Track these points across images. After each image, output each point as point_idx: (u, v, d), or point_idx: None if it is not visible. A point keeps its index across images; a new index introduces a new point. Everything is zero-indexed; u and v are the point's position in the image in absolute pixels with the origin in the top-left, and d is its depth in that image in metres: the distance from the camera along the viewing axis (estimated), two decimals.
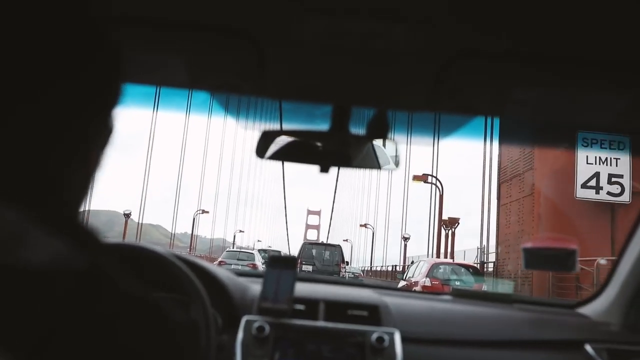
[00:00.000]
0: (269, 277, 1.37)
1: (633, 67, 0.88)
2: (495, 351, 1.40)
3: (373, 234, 47.45)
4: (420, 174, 27.07)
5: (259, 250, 25.27)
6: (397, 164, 1.21)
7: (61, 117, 0.49)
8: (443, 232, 25.51)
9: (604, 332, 1.49)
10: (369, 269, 44.83)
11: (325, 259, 19.40)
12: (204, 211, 40.55)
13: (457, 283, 13.09)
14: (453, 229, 25.91)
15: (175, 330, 0.53)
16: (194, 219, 38.25)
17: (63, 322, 0.43)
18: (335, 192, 79.85)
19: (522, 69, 0.92)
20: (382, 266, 39.41)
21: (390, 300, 1.50)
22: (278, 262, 1.41)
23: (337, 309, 1.43)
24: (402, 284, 14.61)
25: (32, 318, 0.42)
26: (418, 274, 13.76)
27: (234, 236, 54.62)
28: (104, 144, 0.56)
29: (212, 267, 1.44)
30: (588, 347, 1.41)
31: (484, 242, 20.84)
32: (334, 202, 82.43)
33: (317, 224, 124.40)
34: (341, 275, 18.45)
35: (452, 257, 23.53)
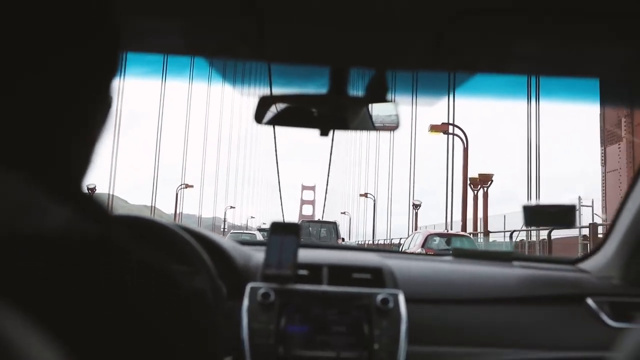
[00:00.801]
0: (272, 244, 1.38)
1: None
2: (497, 308, 1.42)
3: (374, 203, 43.54)
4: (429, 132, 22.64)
5: (259, 230, 28.64)
6: (397, 124, 1.21)
7: (63, 89, 0.49)
8: (470, 194, 21.51)
9: (605, 286, 1.51)
10: (372, 242, 41.40)
11: (322, 236, 19.90)
12: (187, 185, 38.28)
13: (451, 252, 13.19)
14: (485, 188, 21.75)
15: (186, 298, 0.53)
16: (177, 195, 36.46)
17: (76, 291, 0.43)
18: (329, 164, 78.14)
19: (523, 24, 0.92)
20: (385, 239, 35.40)
21: (393, 262, 1.51)
22: (280, 229, 1.42)
23: (340, 273, 1.44)
24: None
25: (45, 285, 0.42)
26: (413, 246, 13.89)
27: (225, 213, 53.14)
28: (104, 117, 0.55)
29: (217, 236, 1.44)
30: (590, 301, 1.43)
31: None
32: (328, 174, 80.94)
33: (312, 199, 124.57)
34: None
35: (486, 223, 20.51)
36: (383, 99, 1.19)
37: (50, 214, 0.44)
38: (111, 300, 0.45)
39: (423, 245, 13.38)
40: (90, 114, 0.53)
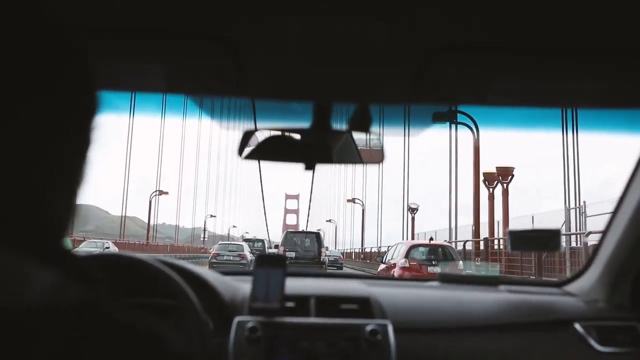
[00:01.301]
0: (258, 277, 1.36)
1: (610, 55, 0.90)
2: (486, 335, 1.41)
3: (363, 209, 41.22)
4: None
5: (245, 240, 29.45)
6: (383, 157, 1.21)
7: (39, 134, 0.47)
8: (484, 192, 19.34)
9: (592, 310, 1.51)
10: (360, 250, 39.64)
11: (306, 246, 20.38)
12: (161, 192, 37.13)
13: (434, 262, 13.31)
14: (506, 184, 19.15)
15: (173, 353, 0.53)
16: (150, 202, 35.28)
17: (64, 356, 0.42)
18: (313, 172, 77.91)
19: (502, 60, 0.93)
20: (374, 247, 33.82)
21: (379, 290, 1.51)
22: (267, 261, 1.40)
23: (327, 304, 1.43)
24: (381, 267, 14.81)
25: (33, 356, 0.41)
26: (397, 256, 13.91)
27: (205, 222, 51.98)
28: (85, 157, 0.54)
29: (200, 269, 1.42)
30: (577, 326, 1.43)
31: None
32: (312, 182, 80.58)
33: (295, 208, 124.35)
34: (322, 259, 20.00)
35: (506, 224, 18.29)
36: (367, 132, 1.19)
37: (33, 281, 0.43)
38: None
39: (406, 256, 13.41)
40: (71, 155, 0.52)
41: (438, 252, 13.90)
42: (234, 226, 75.50)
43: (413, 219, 28.43)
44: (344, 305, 1.43)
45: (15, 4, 0.46)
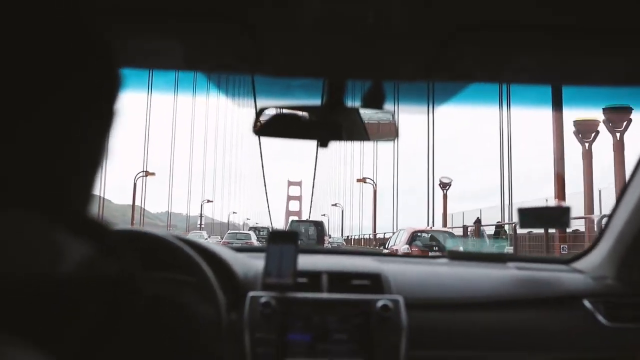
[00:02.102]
0: (271, 253, 1.38)
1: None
2: (495, 311, 1.43)
3: (375, 191, 36.10)
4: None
5: (250, 228, 31.44)
6: (396, 134, 1.22)
7: (63, 116, 0.48)
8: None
9: (601, 286, 1.53)
10: (372, 236, 35.82)
11: (310, 234, 21.42)
12: (148, 173, 34.07)
13: (435, 248, 13.38)
14: (619, 133, 13.57)
15: (199, 328, 0.54)
16: (134, 185, 32.68)
17: (96, 329, 0.44)
18: (316, 156, 75.75)
19: (519, 37, 0.94)
20: (387, 233, 27.69)
21: (390, 267, 1.52)
22: (279, 237, 1.42)
23: (339, 280, 1.45)
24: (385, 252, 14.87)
25: (71, 326, 0.42)
26: (399, 242, 13.96)
27: (201, 207, 49.11)
28: (107, 138, 0.54)
29: (215, 246, 1.44)
30: (586, 302, 1.45)
31: None
32: (315, 168, 79.04)
33: (298, 194, 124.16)
34: (325, 245, 20.82)
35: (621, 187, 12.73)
36: (379, 109, 1.20)
37: (66, 253, 0.44)
38: (130, 335, 0.46)
39: (408, 242, 13.46)
40: (94, 136, 0.52)
41: (439, 238, 13.94)
42: (234, 212, 74.84)
43: (445, 196, 23.63)
44: (355, 281, 1.45)
45: None
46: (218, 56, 1.08)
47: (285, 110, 1.22)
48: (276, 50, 1.01)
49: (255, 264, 1.46)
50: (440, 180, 23.96)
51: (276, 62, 1.07)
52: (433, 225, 19.53)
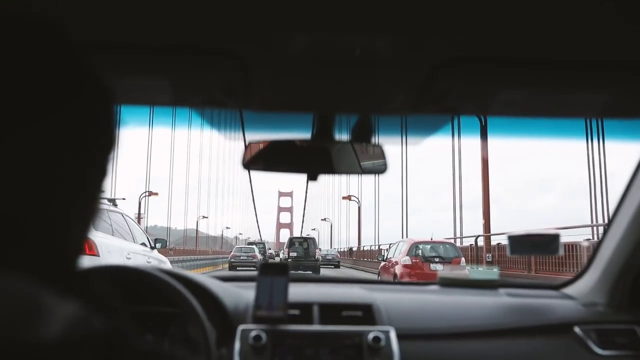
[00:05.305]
0: (262, 285, 1.38)
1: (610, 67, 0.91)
2: (487, 340, 1.43)
3: (359, 208, 40.46)
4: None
5: (249, 243, 38.66)
6: (385, 167, 1.22)
7: (56, 156, 0.47)
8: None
9: (591, 312, 1.52)
10: (355, 249, 39.53)
11: (304, 248, 26.46)
12: (151, 193, 36.07)
13: (437, 260, 13.36)
14: None
15: None
16: (139, 204, 34.18)
17: None
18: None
19: (506, 72, 0.94)
20: (371, 245, 34.55)
21: (381, 296, 1.52)
22: (270, 269, 1.42)
23: (331, 311, 1.44)
24: (382, 264, 14.88)
25: None
26: (398, 254, 13.94)
27: (197, 223, 52.55)
28: (99, 185, 0.53)
29: (203, 278, 1.44)
30: (577, 329, 1.45)
31: None
32: (307, 182, 79.02)
33: (289, 205, 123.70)
34: (316, 257, 26.25)
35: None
36: (368, 142, 1.20)
37: (53, 312, 0.42)
38: None
39: (408, 254, 13.45)
40: (85, 183, 0.51)
41: (440, 250, 13.92)
42: (227, 227, 75.66)
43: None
44: (347, 312, 1.45)
45: (27, 24, 0.46)
46: (206, 92, 1.08)
47: (274, 144, 1.23)
48: (265, 86, 1.01)
49: (245, 295, 1.45)
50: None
51: (264, 98, 1.07)
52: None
